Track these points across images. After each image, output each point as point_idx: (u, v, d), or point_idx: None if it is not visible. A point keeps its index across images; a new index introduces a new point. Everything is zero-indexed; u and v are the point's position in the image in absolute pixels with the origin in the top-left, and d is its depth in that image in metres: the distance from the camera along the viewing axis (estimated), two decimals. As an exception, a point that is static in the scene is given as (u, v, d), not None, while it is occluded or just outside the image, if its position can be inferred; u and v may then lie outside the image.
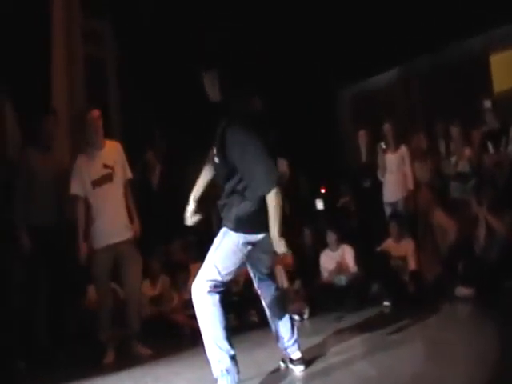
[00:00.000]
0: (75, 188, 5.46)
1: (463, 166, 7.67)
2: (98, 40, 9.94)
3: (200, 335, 3.50)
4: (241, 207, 3.55)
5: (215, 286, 3.49)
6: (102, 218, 5.43)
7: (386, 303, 6.70)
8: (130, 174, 5.71)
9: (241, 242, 3.56)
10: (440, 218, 7.46)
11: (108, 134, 5.85)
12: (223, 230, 3.62)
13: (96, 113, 5.61)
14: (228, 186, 3.62)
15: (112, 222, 5.44)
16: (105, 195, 5.46)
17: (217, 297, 3.50)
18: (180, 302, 6.69)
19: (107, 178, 5.48)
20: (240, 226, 3.55)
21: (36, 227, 5.59)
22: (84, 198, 5.46)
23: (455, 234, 7.29)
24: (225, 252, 3.56)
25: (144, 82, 9.25)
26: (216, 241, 3.61)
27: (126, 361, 5.25)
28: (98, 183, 5.44)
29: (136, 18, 9.53)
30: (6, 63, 7.23)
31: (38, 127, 5.96)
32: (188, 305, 6.68)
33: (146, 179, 7.83)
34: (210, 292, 3.48)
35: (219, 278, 3.50)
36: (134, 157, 6.26)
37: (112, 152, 5.62)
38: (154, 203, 7.47)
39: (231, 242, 3.56)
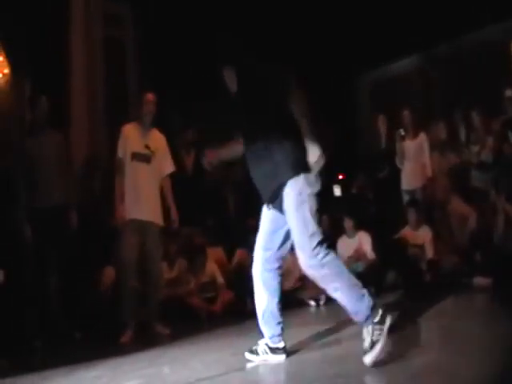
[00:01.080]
0: (120, 152, 5.65)
1: (486, 156, 7.59)
2: (117, 22, 9.94)
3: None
4: (284, 150, 3.43)
5: (322, 245, 3.37)
6: (135, 192, 5.55)
7: (402, 291, 6.69)
8: (172, 168, 5.85)
9: (305, 188, 3.40)
10: (458, 206, 7.41)
11: (126, 116, 5.90)
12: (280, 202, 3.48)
13: (152, 96, 5.74)
14: (259, 145, 3.51)
15: (144, 200, 5.56)
16: (140, 172, 5.60)
17: (331, 252, 3.42)
18: (196, 286, 6.72)
19: (146, 158, 5.63)
20: (298, 166, 3.41)
21: (40, 209, 5.69)
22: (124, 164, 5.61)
23: (474, 222, 7.25)
24: (302, 213, 3.40)
25: (163, 65, 9.23)
26: (288, 216, 3.46)
27: (143, 341, 5.28)
28: (136, 157, 5.60)
29: (156, 1, 9.49)
30: (27, 43, 7.26)
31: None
32: (204, 288, 6.74)
33: (180, 161, 7.82)
34: (323, 256, 3.36)
35: (319, 238, 3.39)
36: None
37: (157, 139, 5.79)
38: (185, 186, 7.49)
39: (297, 197, 3.40)
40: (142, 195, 5.54)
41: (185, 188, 7.29)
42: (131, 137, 5.64)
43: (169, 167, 5.83)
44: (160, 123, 5.95)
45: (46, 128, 6.06)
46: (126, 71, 9.90)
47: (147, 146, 5.63)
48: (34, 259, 5.65)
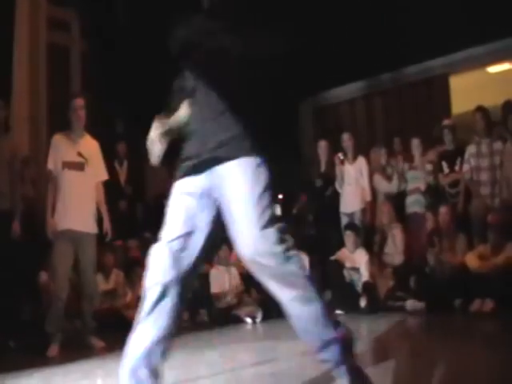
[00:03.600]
0: (51, 163, 5.48)
1: (423, 182, 7.80)
2: (63, 29, 9.81)
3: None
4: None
5: (287, 234, 2.64)
6: (68, 201, 5.38)
7: (338, 312, 6.77)
8: (105, 176, 5.73)
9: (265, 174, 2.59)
10: (396, 232, 7.59)
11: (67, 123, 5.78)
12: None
13: (81, 101, 5.61)
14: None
15: (77, 209, 5.38)
16: (73, 181, 5.43)
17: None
18: (133, 298, 6.62)
19: (78, 166, 5.47)
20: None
21: None
22: (55, 176, 5.46)
23: (408, 249, 7.46)
24: (259, 191, 2.53)
25: (108, 73, 9.16)
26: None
27: (76, 353, 5.14)
28: (68, 166, 5.44)
29: (102, 7, 9.43)
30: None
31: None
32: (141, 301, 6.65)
33: (113, 172, 7.75)
34: (290, 247, 2.61)
35: (285, 225, 2.62)
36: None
37: (89, 146, 5.64)
38: (119, 198, 7.42)
39: (256, 175, 2.55)
40: (75, 204, 5.39)
41: (129, 199, 7.24)
42: (62, 146, 5.49)
43: (102, 175, 5.71)
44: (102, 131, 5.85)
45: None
46: (70, 78, 9.77)
47: (80, 154, 5.49)
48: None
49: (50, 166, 5.48)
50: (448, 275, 6.58)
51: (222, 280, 7.24)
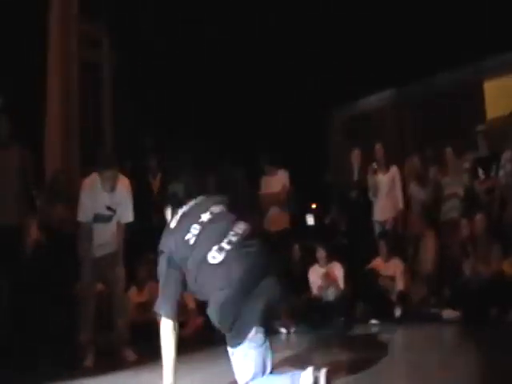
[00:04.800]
0: (82, 216, 5.51)
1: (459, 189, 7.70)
2: (94, 44, 9.96)
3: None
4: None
5: None
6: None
7: (372, 322, 6.70)
8: (130, 218, 5.70)
9: None
10: (429, 240, 7.49)
11: (100, 139, 5.83)
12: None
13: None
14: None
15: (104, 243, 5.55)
16: (100, 230, 5.52)
17: None
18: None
19: (107, 219, 5.54)
20: None
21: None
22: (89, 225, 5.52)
23: (441, 257, 7.36)
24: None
25: (140, 88, 9.26)
26: None
27: (111, 365, 5.15)
28: (97, 220, 5.51)
29: (134, 24, 9.56)
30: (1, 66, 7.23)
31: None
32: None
33: (147, 184, 7.80)
34: None
35: None
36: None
37: (120, 193, 5.59)
38: (152, 210, 7.47)
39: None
40: (99, 247, 5.54)
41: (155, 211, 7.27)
42: (90, 198, 5.48)
43: (128, 217, 5.68)
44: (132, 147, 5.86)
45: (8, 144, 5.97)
46: (101, 95, 9.91)
47: (109, 208, 5.51)
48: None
49: (80, 218, 5.52)
50: (484, 284, 6.46)
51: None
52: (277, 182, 8.16)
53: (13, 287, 5.73)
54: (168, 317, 3.42)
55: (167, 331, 3.46)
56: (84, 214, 5.50)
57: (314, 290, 7.32)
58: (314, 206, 9.80)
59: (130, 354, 5.40)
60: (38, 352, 5.69)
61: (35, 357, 5.66)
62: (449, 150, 7.91)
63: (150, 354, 5.44)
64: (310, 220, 9.47)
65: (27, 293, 5.89)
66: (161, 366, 3.63)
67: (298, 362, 4.48)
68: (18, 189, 5.83)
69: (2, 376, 5.03)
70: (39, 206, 6.26)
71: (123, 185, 5.63)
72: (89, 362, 5.26)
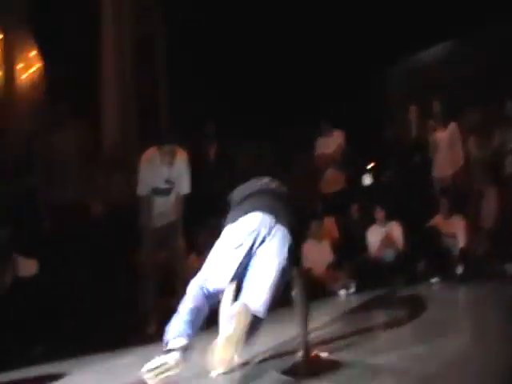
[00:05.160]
0: (141, 189, 5.64)
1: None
2: (149, 18, 9.97)
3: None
4: None
5: None
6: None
7: (433, 280, 6.63)
8: (187, 189, 5.76)
9: None
10: (492, 195, 7.32)
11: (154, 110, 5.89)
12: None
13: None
14: None
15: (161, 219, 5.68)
16: (159, 202, 5.65)
17: None
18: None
19: (165, 192, 5.66)
20: None
21: (57, 204, 5.85)
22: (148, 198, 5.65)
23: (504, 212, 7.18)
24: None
25: (193, 58, 9.27)
26: None
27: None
28: (156, 193, 5.63)
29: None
30: (59, 38, 7.35)
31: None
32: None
33: (203, 150, 7.87)
34: None
35: None
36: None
37: (178, 167, 5.67)
38: (210, 176, 7.53)
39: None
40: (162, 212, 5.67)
41: (220, 178, 7.33)
42: (149, 173, 5.59)
43: (185, 189, 5.75)
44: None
45: (70, 121, 6.17)
46: (156, 67, 9.94)
47: (168, 181, 5.61)
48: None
49: (140, 192, 5.64)
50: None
51: (313, 254, 7.23)
52: (332, 142, 8.11)
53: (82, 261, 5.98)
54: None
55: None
56: (143, 188, 5.63)
57: (373, 250, 7.29)
58: (370, 165, 9.65)
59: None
60: (102, 319, 5.89)
61: (100, 324, 5.88)
62: (511, 105, 7.65)
63: (211, 319, 5.57)
64: (367, 180, 9.35)
65: (92, 264, 6.11)
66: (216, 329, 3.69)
67: (358, 322, 4.51)
68: (77, 166, 6.03)
69: (68, 339, 5.27)
70: (99, 181, 6.42)
71: (181, 158, 5.70)
72: (152, 328, 5.43)
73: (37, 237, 5.50)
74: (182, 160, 5.69)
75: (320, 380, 3.02)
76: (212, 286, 3.35)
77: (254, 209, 3.45)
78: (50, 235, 5.80)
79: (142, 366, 3.92)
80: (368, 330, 4.19)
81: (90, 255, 6.17)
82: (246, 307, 3.04)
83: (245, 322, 2.98)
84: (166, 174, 5.61)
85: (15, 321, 4.80)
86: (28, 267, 5.07)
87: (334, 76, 9.66)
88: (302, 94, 9.57)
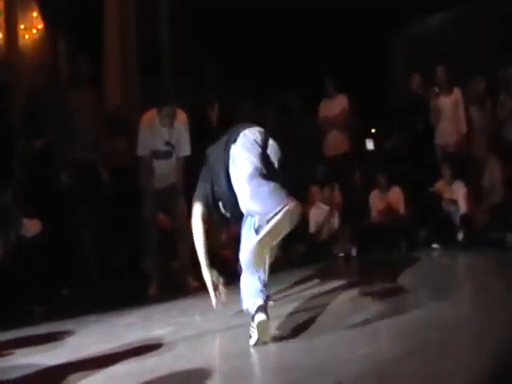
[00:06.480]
0: (140, 150, 5.67)
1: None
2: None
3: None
4: None
5: None
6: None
7: (434, 245, 6.66)
8: (188, 151, 5.75)
9: None
10: (493, 164, 7.30)
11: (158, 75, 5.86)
12: None
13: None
14: None
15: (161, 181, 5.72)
16: (160, 164, 5.68)
17: None
18: (229, 238, 6.74)
19: (166, 154, 5.66)
20: None
21: (76, 162, 5.97)
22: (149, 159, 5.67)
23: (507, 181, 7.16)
24: None
25: (199, 24, 9.18)
26: None
27: (174, 292, 5.34)
28: (157, 156, 5.65)
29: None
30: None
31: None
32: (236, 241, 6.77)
33: (205, 114, 7.82)
34: None
35: None
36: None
37: (178, 128, 5.66)
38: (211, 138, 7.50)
39: None
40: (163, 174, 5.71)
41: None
42: (149, 134, 5.59)
43: (185, 151, 5.74)
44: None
45: (83, 84, 6.26)
46: (158, 26, 9.83)
47: (168, 143, 5.61)
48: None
49: (140, 152, 5.68)
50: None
51: (320, 219, 7.27)
52: (336, 105, 8.07)
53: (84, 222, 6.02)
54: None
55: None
56: (143, 149, 5.65)
57: (374, 214, 7.31)
58: (373, 130, 9.61)
59: (192, 282, 5.55)
60: (105, 280, 5.95)
61: (102, 284, 5.93)
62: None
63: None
64: (370, 145, 9.32)
65: (94, 226, 6.14)
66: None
67: (359, 285, 4.54)
68: (90, 127, 6.09)
69: (73, 300, 5.33)
70: (101, 142, 6.42)
71: (181, 120, 5.69)
72: (154, 289, 5.48)
73: (39, 197, 5.50)
74: (181, 121, 5.68)
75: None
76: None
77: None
78: (54, 195, 5.82)
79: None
80: (367, 295, 4.21)
81: (92, 217, 6.20)
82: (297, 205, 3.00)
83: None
84: (166, 136, 5.60)
85: (18, 281, 4.85)
86: (31, 227, 5.07)
87: (339, 40, 9.57)
88: (305, 58, 9.50)
